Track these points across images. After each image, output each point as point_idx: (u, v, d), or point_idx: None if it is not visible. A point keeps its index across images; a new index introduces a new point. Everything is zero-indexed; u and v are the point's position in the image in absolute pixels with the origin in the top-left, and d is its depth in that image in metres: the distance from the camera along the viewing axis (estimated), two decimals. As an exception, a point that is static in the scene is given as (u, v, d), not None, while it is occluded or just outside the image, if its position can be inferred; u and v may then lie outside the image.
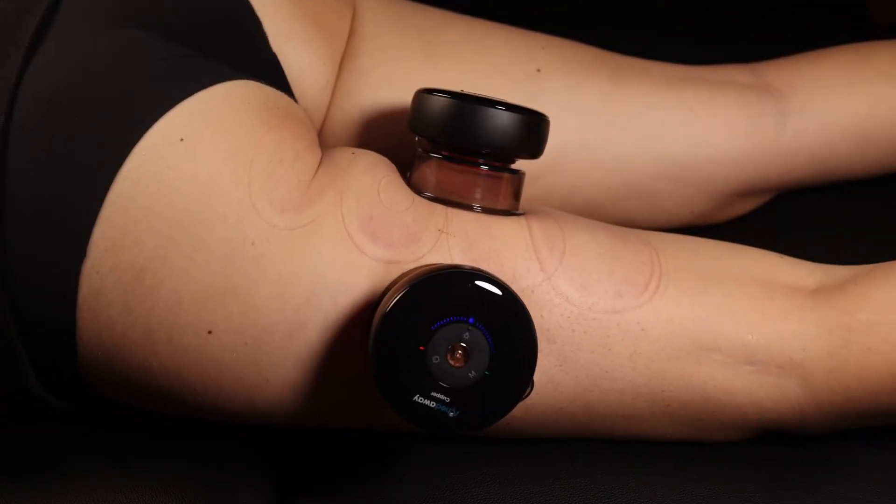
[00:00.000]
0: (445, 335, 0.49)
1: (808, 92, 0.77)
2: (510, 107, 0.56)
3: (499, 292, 0.49)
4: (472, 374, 0.49)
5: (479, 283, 0.49)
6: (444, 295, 0.49)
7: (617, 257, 0.55)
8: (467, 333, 0.49)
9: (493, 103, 0.55)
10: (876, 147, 0.78)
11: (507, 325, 0.49)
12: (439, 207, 0.55)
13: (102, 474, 0.58)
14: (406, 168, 0.58)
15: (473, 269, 0.51)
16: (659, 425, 0.57)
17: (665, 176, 0.71)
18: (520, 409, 0.54)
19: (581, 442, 0.58)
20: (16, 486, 0.57)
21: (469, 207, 0.56)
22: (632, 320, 0.54)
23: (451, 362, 0.49)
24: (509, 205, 0.57)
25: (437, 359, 0.49)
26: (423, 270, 0.51)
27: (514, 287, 0.52)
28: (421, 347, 0.49)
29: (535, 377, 0.53)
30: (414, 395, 0.49)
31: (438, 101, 0.56)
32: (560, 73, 0.71)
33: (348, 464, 0.60)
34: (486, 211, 0.56)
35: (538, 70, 0.70)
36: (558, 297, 0.54)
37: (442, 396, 0.49)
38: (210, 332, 0.52)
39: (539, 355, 0.52)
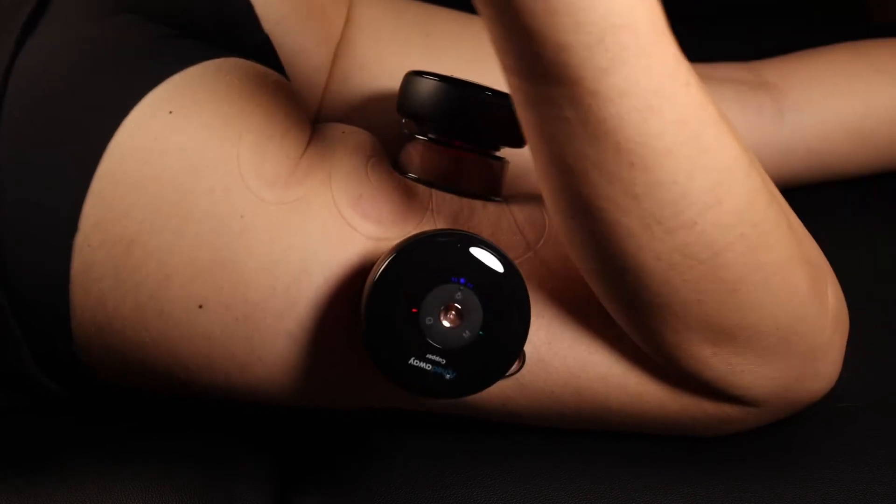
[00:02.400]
0: (438, 296, 0.48)
1: (806, 89, 0.77)
2: (497, 92, 0.56)
3: (488, 251, 0.49)
4: (466, 335, 0.49)
5: (468, 242, 0.49)
6: (435, 256, 0.49)
7: None
8: (459, 293, 0.48)
9: (479, 88, 0.55)
10: (873, 144, 0.78)
11: (498, 282, 0.49)
12: (424, 187, 0.55)
13: (102, 468, 0.58)
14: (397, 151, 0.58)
15: (460, 230, 0.51)
16: (645, 419, 0.56)
17: None
18: (514, 391, 0.54)
19: (581, 441, 0.58)
20: (13, 479, 0.57)
21: (452, 191, 0.56)
22: None
23: (445, 323, 0.49)
24: (491, 191, 0.57)
25: (430, 320, 0.48)
26: (411, 236, 0.51)
27: None
28: (413, 309, 0.48)
29: (527, 355, 0.53)
30: (409, 359, 0.49)
31: (426, 84, 0.56)
32: None
33: (348, 463, 0.60)
34: (469, 195, 0.56)
35: None
36: (544, 268, 0.54)
37: (437, 358, 0.49)
38: (201, 307, 0.52)
39: (530, 329, 0.51)
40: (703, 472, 0.57)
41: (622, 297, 0.50)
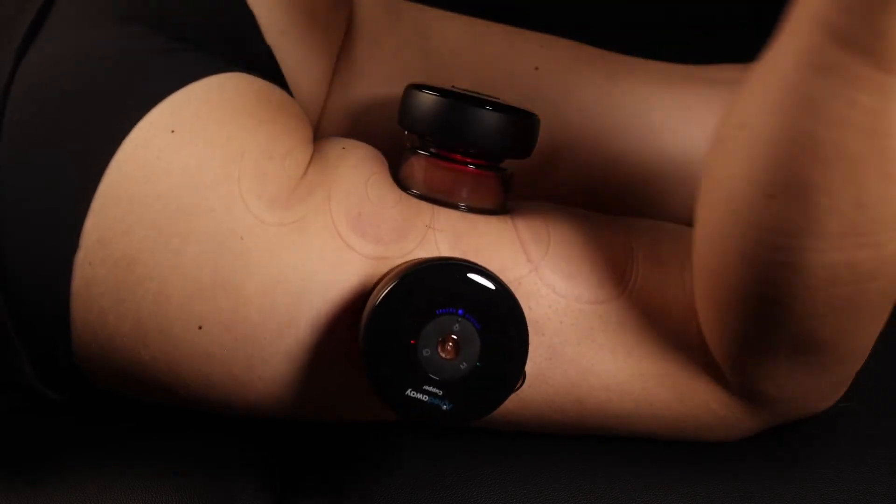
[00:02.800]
0: (435, 327, 0.49)
1: None
2: (499, 106, 0.55)
3: (487, 282, 0.49)
4: (463, 366, 0.49)
5: (467, 273, 0.49)
6: (433, 287, 0.49)
7: (598, 247, 0.55)
8: (457, 325, 0.49)
9: (481, 102, 0.55)
10: None
11: (496, 314, 0.49)
12: (426, 203, 0.55)
13: (101, 470, 0.58)
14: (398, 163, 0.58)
15: (461, 260, 0.51)
16: (650, 425, 0.56)
17: (664, 175, 0.70)
18: (513, 402, 0.54)
19: (581, 442, 0.58)
20: (13, 479, 0.57)
21: (455, 206, 0.55)
22: (611, 311, 0.54)
23: (443, 355, 0.49)
24: (496, 204, 0.57)
25: (427, 352, 0.49)
26: (411, 263, 0.50)
27: (502, 279, 0.52)
28: (412, 341, 0.48)
29: (527, 370, 0.53)
30: (406, 390, 0.49)
31: (427, 98, 0.55)
32: (558, 71, 0.70)
33: (348, 463, 0.60)
34: (472, 210, 0.56)
35: (536, 68, 0.70)
36: (545, 287, 0.54)
37: (434, 390, 0.49)
38: (200, 328, 0.52)
39: (530, 346, 0.51)
40: (703, 472, 0.57)
41: (749, 287, 0.47)
